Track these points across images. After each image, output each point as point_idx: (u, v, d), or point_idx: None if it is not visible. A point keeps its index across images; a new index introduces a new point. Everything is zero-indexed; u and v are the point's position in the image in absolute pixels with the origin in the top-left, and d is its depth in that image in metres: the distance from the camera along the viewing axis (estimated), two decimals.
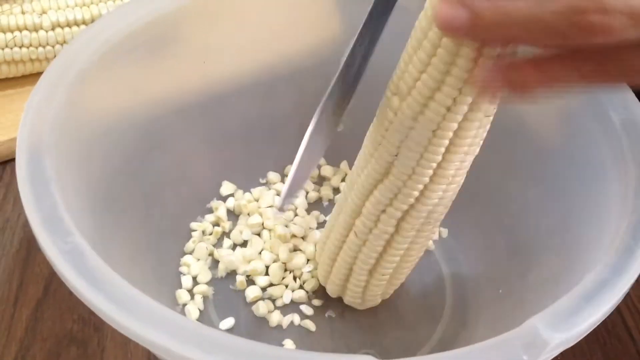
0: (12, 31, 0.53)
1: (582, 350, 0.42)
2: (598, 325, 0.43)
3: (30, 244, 0.45)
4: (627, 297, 0.44)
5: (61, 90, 0.36)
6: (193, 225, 0.47)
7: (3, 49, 0.53)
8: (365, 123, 0.50)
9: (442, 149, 0.32)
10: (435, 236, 0.47)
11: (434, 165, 0.33)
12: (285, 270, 0.45)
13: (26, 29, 0.53)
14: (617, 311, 0.44)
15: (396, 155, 0.34)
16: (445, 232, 0.48)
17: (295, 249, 0.46)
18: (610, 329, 0.43)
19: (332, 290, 0.42)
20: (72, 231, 0.30)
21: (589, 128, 0.39)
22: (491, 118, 0.33)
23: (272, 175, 0.51)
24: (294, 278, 0.44)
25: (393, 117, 0.33)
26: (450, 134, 0.32)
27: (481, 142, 0.34)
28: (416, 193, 0.34)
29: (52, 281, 0.43)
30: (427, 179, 0.34)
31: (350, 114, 0.50)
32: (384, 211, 0.36)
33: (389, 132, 0.33)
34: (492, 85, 0.27)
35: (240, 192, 0.49)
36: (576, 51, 0.25)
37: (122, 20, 0.41)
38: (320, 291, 0.44)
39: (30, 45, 0.53)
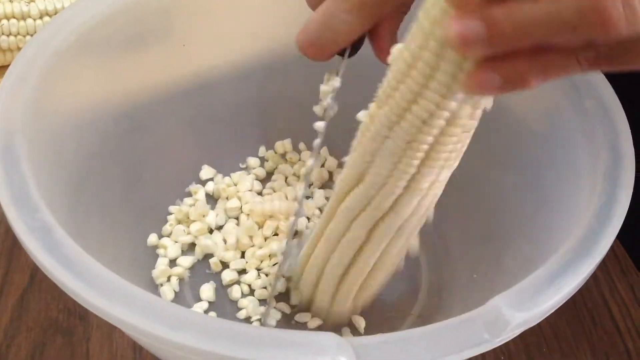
0: None
1: (568, 342, 0.42)
2: (585, 317, 0.44)
3: None
4: (614, 289, 0.45)
5: (35, 72, 0.37)
6: (171, 208, 0.47)
7: None
8: (349, 111, 0.51)
9: (417, 162, 0.31)
10: (415, 247, 0.46)
11: (408, 177, 0.32)
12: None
13: (14, 17, 0.53)
14: (604, 303, 0.45)
15: (370, 163, 0.33)
16: None
17: (275, 233, 0.46)
18: (597, 321, 0.44)
19: (302, 294, 0.41)
20: (40, 208, 0.30)
21: (565, 116, 0.39)
22: (471, 134, 0.32)
23: (252, 160, 0.51)
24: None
25: (370, 124, 0.32)
26: (426, 147, 0.31)
27: (460, 156, 0.33)
28: (388, 204, 0.33)
29: (38, 271, 0.42)
30: (400, 190, 0.33)
31: (337, 102, 0.51)
32: (355, 219, 0.35)
33: (365, 139, 0.33)
34: (489, 84, 0.25)
35: (219, 176, 0.50)
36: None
37: (99, 3, 0.41)
38: None
39: (18, 33, 0.53)
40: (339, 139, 0.50)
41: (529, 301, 0.29)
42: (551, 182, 0.40)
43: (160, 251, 0.45)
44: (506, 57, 0.25)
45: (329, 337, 0.27)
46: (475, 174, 0.46)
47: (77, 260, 0.29)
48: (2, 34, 0.53)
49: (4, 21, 0.53)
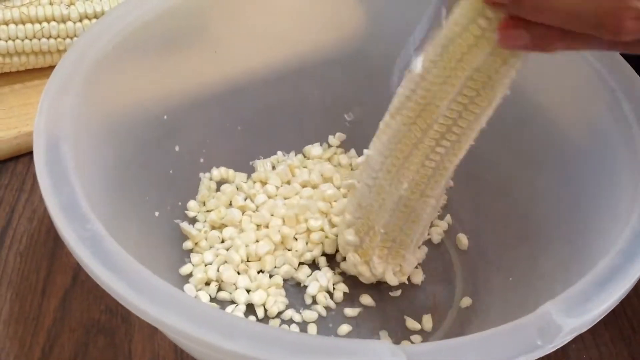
0: (40, 22, 0.53)
1: (607, 348, 0.42)
2: (624, 323, 0.43)
3: (58, 234, 0.46)
4: None
5: (76, 79, 0.37)
6: (205, 215, 0.47)
7: (31, 39, 0.53)
8: (373, 113, 0.51)
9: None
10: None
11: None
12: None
13: (54, 20, 0.53)
14: None
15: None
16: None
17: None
18: (636, 327, 0.43)
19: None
20: (90, 218, 0.30)
21: (601, 116, 0.39)
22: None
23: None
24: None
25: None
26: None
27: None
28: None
29: (80, 271, 0.43)
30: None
31: (359, 104, 0.51)
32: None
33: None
34: (518, 39, 0.28)
35: (250, 181, 0.50)
36: None
37: (136, 10, 0.41)
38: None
39: (58, 36, 0.54)
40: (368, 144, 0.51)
41: (581, 307, 0.29)
42: (589, 185, 0.40)
43: (195, 258, 0.45)
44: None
45: (383, 344, 0.27)
46: (508, 176, 0.46)
47: (130, 270, 0.29)
48: (43, 36, 0.53)
49: (44, 24, 0.53)
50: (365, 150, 0.39)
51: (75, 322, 0.42)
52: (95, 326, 0.41)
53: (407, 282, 0.44)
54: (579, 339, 0.42)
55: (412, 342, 0.41)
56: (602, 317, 0.30)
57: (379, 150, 0.38)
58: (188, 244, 0.45)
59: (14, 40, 0.53)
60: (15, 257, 0.45)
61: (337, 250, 0.45)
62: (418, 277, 0.44)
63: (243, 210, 0.47)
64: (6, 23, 0.52)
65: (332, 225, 0.46)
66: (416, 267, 0.44)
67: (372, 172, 0.39)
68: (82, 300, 0.43)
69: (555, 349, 0.28)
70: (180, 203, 0.46)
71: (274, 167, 0.50)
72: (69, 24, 0.53)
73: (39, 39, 0.53)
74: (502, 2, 0.28)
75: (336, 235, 0.45)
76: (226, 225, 0.46)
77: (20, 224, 0.47)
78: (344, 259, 0.44)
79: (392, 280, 0.43)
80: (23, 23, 0.53)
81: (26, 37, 0.53)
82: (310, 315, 0.42)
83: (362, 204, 0.41)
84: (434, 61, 0.33)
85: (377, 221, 0.40)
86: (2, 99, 0.54)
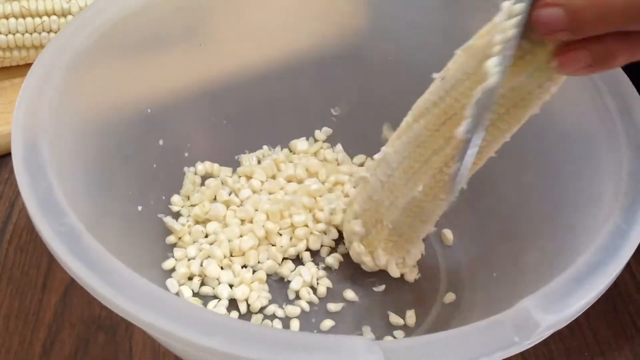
0: (40, 16, 0.53)
1: (609, 346, 0.42)
2: (626, 321, 0.43)
3: None
4: None
5: (56, 74, 0.36)
6: (188, 210, 0.47)
7: (32, 33, 0.53)
8: (359, 108, 0.50)
9: None
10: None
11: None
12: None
13: (54, 14, 0.53)
14: None
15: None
16: None
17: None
18: (638, 324, 0.43)
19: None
20: (67, 213, 0.30)
21: (585, 114, 0.39)
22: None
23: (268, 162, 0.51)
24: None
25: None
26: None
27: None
28: None
29: None
30: None
31: (346, 99, 0.51)
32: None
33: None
34: (580, 62, 0.28)
35: (235, 176, 0.49)
36: None
37: (118, 2, 0.40)
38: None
39: (59, 30, 0.53)
40: (355, 139, 0.51)
41: (558, 303, 0.29)
42: (572, 181, 0.40)
43: (179, 253, 0.44)
44: (595, 37, 0.27)
45: (360, 340, 0.27)
46: (492, 173, 0.45)
47: (106, 265, 0.29)
48: (43, 30, 0.53)
49: (45, 18, 0.53)
50: (383, 148, 0.39)
51: (76, 317, 0.41)
52: (95, 322, 0.41)
53: (391, 277, 0.44)
54: (581, 336, 0.42)
55: (395, 338, 0.41)
56: (580, 313, 0.30)
57: (398, 150, 0.38)
58: (171, 239, 0.45)
59: (14, 34, 0.53)
60: (16, 252, 0.45)
61: (321, 245, 0.45)
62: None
63: (227, 204, 0.47)
64: (6, 17, 0.52)
65: (317, 220, 0.46)
66: (401, 262, 0.44)
67: (388, 170, 0.39)
68: (83, 296, 0.42)
69: (533, 345, 0.28)
70: (164, 197, 0.46)
71: (259, 162, 0.50)
72: (70, 18, 0.53)
73: (40, 33, 0.53)
74: (560, 28, 0.27)
75: (321, 232, 0.45)
76: (210, 220, 0.46)
77: (20, 218, 0.47)
78: (335, 251, 0.45)
79: (395, 272, 0.43)
80: (23, 17, 0.53)
81: (26, 31, 0.53)
82: (293, 310, 0.42)
83: (373, 197, 0.41)
84: (468, 73, 0.32)
85: (386, 216, 0.40)
86: (2, 93, 0.54)
